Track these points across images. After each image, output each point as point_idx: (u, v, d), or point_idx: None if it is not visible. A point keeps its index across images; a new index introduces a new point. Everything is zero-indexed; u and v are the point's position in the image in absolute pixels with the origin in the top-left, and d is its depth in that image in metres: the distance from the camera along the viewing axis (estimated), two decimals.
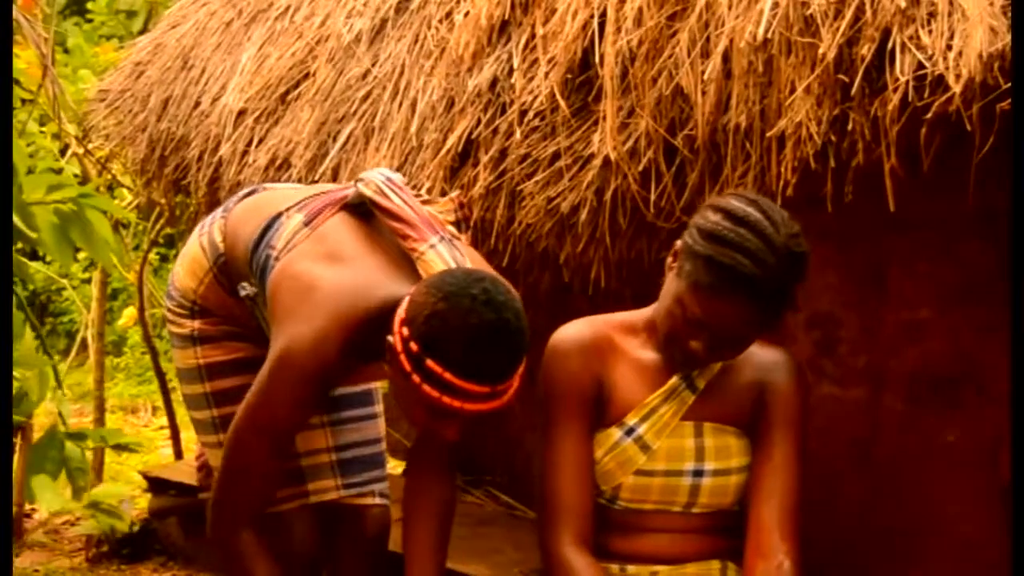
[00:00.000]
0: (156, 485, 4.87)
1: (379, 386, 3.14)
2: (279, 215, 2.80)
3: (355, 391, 3.05)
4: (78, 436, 2.26)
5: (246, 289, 2.81)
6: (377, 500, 3.09)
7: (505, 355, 2.43)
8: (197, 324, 2.95)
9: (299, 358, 2.54)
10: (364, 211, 2.76)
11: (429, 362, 2.41)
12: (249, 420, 2.63)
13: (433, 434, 2.64)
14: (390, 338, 2.48)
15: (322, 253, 2.68)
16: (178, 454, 5.72)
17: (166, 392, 5.93)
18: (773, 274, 2.45)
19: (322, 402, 2.75)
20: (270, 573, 2.73)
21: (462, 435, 2.59)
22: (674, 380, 2.66)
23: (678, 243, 2.58)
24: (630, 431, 2.65)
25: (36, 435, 4.41)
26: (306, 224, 2.75)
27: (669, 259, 2.61)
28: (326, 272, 2.64)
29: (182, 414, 6.58)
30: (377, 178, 2.76)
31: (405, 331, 2.44)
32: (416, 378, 2.43)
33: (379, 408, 3.12)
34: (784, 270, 2.46)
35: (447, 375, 2.40)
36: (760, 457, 2.65)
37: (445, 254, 2.63)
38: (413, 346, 2.42)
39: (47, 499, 2.21)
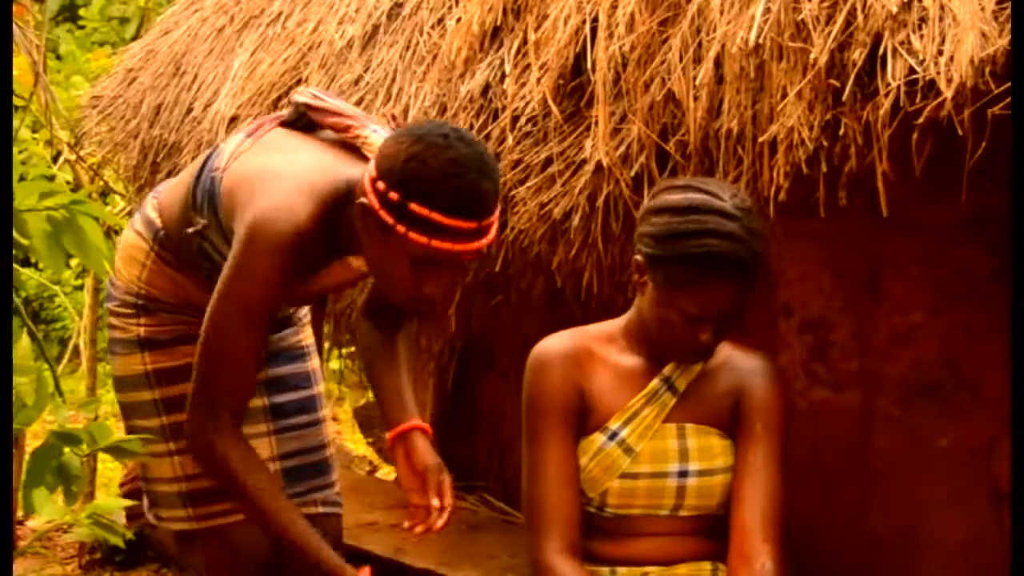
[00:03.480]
0: None
1: (322, 391, 3.10)
2: (216, 146, 2.80)
3: (299, 397, 3.00)
4: (71, 439, 2.24)
5: (196, 225, 2.72)
6: (320, 509, 3.01)
7: (486, 185, 2.42)
8: (143, 326, 2.87)
9: (271, 225, 2.49)
10: (302, 127, 2.77)
11: (413, 206, 2.38)
12: (225, 303, 2.55)
13: (416, 298, 2.55)
14: (363, 199, 2.44)
15: (272, 149, 2.68)
16: None
17: None
18: (741, 238, 2.47)
19: (296, 284, 2.65)
20: (266, 478, 2.66)
21: (447, 301, 2.59)
22: (655, 383, 2.67)
23: (637, 257, 2.58)
24: (613, 435, 2.66)
25: (28, 441, 4.41)
26: (247, 137, 2.74)
27: (635, 277, 2.62)
28: (282, 159, 2.63)
29: None
30: (309, 89, 2.82)
31: (381, 184, 2.42)
32: (401, 228, 2.40)
33: (323, 414, 3.07)
34: (747, 228, 2.48)
35: (435, 215, 2.38)
36: (741, 461, 2.65)
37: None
38: (393, 195, 2.40)
39: (47, 510, 2.20)
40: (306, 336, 3.07)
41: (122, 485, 3.14)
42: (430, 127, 2.46)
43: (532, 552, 2.66)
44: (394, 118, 2.80)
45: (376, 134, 2.66)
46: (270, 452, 2.92)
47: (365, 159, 2.61)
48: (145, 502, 3.01)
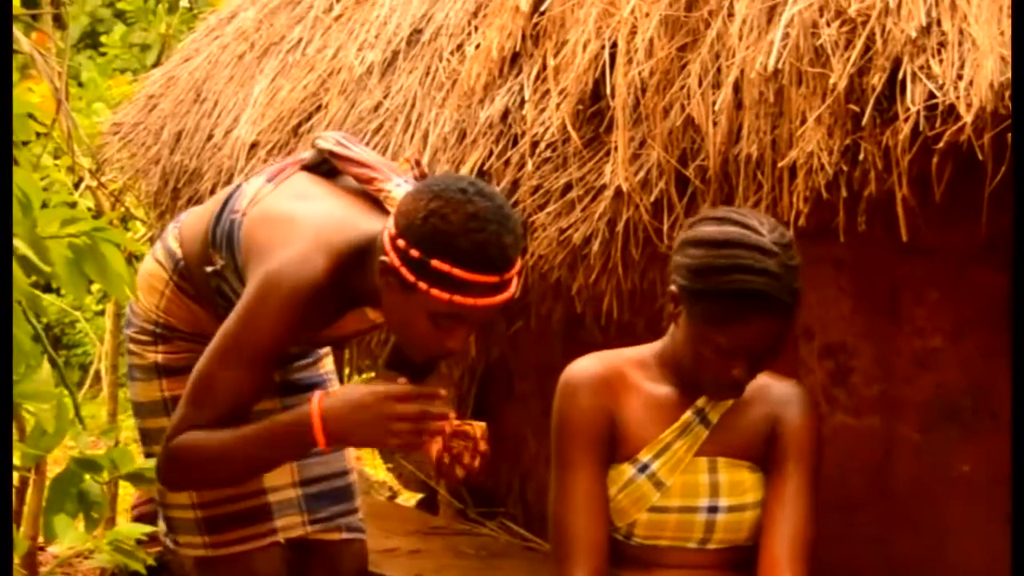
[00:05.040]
0: None
1: None
2: (238, 185, 2.79)
3: None
4: (91, 465, 2.25)
5: (214, 264, 2.73)
6: (344, 535, 3.01)
7: (508, 238, 2.40)
8: (161, 353, 2.87)
9: (288, 278, 2.48)
10: (324, 172, 2.77)
11: (435, 263, 2.36)
12: (228, 346, 2.52)
13: (435, 352, 2.56)
14: (384, 258, 2.42)
15: (292, 196, 2.67)
16: None
17: None
18: (779, 275, 2.43)
19: (309, 333, 2.64)
20: (233, 431, 2.54)
21: (464, 346, 2.56)
22: (687, 415, 2.64)
23: (672, 288, 2.55)
24: (643, 468, 2.63)
25: (50, 467, 4.42)
26: (268, 181, 2.73)
27: (670, 306, 2.59)
28: (301, 206, 2.62)
29: None
30: (334, 135, 2.80)
31: (401, 242, 2.40)
32: (423, 285, 2.38)
33: None
34: (785, 266, 2.44)
35: (456, 271, 2.36)
36: (772, 492, 2.63)
37: None
38: (414, 252, 2.38)
39: (69, 536, 2.20)
40: (325, 365, 3.07)
41: (133, 508, 3.12)
42: (448, 182, 2.44)
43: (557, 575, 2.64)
44: (418, 164, 2.79)
45: (400, 188, 2.63)
46: (292, 478, 2.92)
47: (386, 213, 2.59)
48: (162, 527, 3.01)
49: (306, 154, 2.83)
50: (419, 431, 2.44)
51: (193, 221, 2.88)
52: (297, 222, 2.58)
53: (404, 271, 2.40)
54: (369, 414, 2.44)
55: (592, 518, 2.62)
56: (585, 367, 2.68)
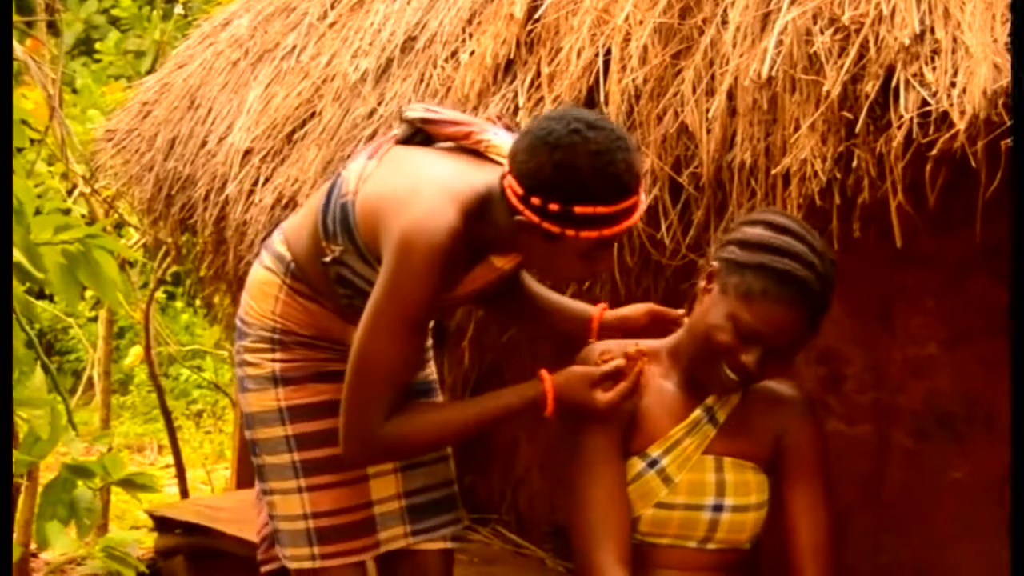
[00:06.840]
0: (162, 524, 4.87)
1: None
2: (337, 175, 2.80)
3: None
4: (84, 472, 2.25)
5: (331, 253, 2.72)
6: (449, 544, 3.00)
7: (632, 157, 2.47)
8: (279, 361, 2.85)
9: (424, 233, 2.50)
10: (419, 142, 2.79)
11: (578, 209, 2.43)
12: (383, 314, 2.54)
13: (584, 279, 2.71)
14: (519, 218, 2.48)
15: (401, 163, 2.70)
16: (184, 493, 5.71)
17: (172, 430, 5.93)
18: (821, 277, 2.52)
19: (445, 292, 2.65)
20: (436, 407, 2.79)
21: (612, 265, 2.71)
22: (697, 413, 2.66)
23: (713, 264, 2.58)
24: (653, 463, 2.64)
25: (42, 474, 4.42)
26: (370, 159, 2.74)
27: (702, 283, 2.61)
28: (416, 172, 2.65)
29: (188, 452, 6.58)
30: (418, 104, 2.87)
31: (535, 200, 2.45)
32: (570, 232, 2.45)
33: (450, 449, 3.03)
34: (828, 274, 2.54)
35: (600, 210, 2.43)
36: (792, 503, 2.69)
37: (509, 138, 2.67)
38: (553, 206, 2.44)
39: (60, 543, 2.20)
40: (432, 371, 3.06)
41: (259, 532, 3.05)
42: (555, 128, 2.45)
43: (587, 565, 2.62)
44: (500, 118, 2.82)
45: (497, 136, 2.69)
46: (396, 489, 2.92)
47: (490, 162, 2.65)
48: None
49: (395, 131, 2.84)
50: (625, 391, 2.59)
51: (296, 224, 2.89)
52: (416, 182, 2.61)
53: (547, 225, 2.47)
54: (580, 390, 2.62)
55: (616, 501, 2.63)
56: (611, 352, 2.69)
